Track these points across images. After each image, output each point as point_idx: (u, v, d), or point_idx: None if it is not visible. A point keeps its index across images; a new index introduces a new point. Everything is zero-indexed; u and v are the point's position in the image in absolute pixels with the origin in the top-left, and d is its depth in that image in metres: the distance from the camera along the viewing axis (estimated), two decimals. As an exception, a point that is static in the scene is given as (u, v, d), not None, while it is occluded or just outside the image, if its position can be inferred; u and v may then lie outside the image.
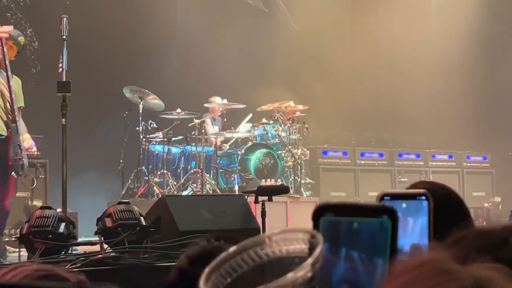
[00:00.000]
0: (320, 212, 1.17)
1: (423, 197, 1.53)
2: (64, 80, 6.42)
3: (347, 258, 1.15)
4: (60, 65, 6.49)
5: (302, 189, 11.88)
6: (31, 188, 10.72)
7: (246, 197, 6.41)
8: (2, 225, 7.53)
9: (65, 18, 6.77)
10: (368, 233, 1.15)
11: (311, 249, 1.08)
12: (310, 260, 1.05)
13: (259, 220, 6.26)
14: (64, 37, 6.68)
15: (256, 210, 6.54)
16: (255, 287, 1.03)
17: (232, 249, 1.13)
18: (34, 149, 7.93)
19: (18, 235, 5.57)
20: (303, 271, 1.05)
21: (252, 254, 1.12)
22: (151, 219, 5.83)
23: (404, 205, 1.52)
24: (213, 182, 11.44)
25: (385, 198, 1.51)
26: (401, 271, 1.02)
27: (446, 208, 2.61)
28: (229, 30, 14.58)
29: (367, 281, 1.15)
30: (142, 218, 5.64)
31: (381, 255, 1.14)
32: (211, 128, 12.14)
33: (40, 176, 10.77)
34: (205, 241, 2.21)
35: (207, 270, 1.14)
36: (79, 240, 9.32)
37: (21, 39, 7.55)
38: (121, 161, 11.71)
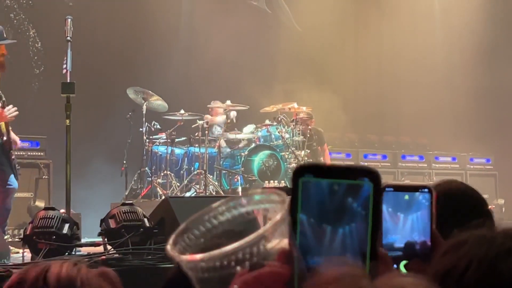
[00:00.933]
0: (299, 172, 1.11)
1: (426, 190, 1.52)
2: (68, 81, 6.42)
3: (322, 225, 1.11)
4: (64, 66, 6.49)
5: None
6: (34, 188, 10.74)
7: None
8: (4, 223, 7.55)
9: (69, 19, 6.78)
10: (348, 196, 1.10)
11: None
12: (273, 220, 1.02)
13: (261, 222, 6.23)
14: (69, 38, 6.68)
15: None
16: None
17: (204, 209, 1.11)
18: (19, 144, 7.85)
19: (21, 236, 5.58)
20: (262, 232, 1.04)
21: (226, 214, 1.09)
22: (155, 220, 5.83)
23: (406, 197, 1.51)
24: (216, 183, 11.44)
25: (387, 189, 1.50)
26: (316, 284, 1.00)
27: (463, 204, 2.58)
28: (233, 31, 14.57)
29: (343, 248, 1.10)
30: (145, 220, 5.64)
31: (362, 219, 1.10)
32: (215, 130, 12.12)
33: (43, 177, 10.77)
34: None
35: (175, 233, 1.12)
36: (82, 241, 9.36)
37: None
38: (125, 162, 11.70)
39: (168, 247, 1.07)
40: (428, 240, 1.52)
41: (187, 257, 1.08)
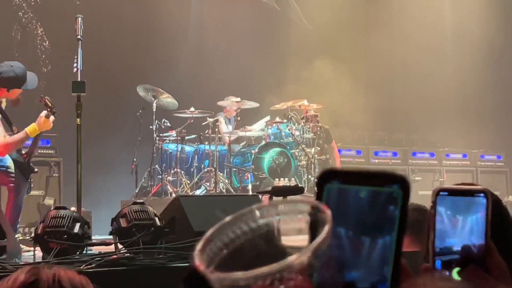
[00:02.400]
0: (325, 178, 1.06)
1: (481, 195, 1.48)
2: (79, 80, 6.42)
3: (351, 236, 1.05)
4: (75, 65, 6.49)
5: (315, 188, 11.82)
6: (45, 186, 10.76)
7: (260, 197, 6.38)
8: (16, 221, 7.57)
9: (80, 18, 6.78)
10: (376, 204, 1.05)
11: (314, 224, 1.01)
12: (315, 243, 0.98)
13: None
14: (79, 37, 6.68)
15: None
16: (251, 262, 0.97)
17: (228, 218, 1.06)
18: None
19: (32, 234, 5.57)
20: (304, 256, 0.95)
21: (250, 223, 1.05)
22: (166, 219, 5.81)
23: (460, 202, 1.47)
24: (226, 181, 11.43)
25: (441, 193, 1.46)
26: None
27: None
28: (242, 29, 14.57)
29: (368, 261, 1.05)
30: (156, 219, 5.62)
31: (388, 230, 1.05)
32: (225, 127, 12.13)
33: (54, 175, 10.79)
34: None
35: (202, 240, 1.07)
36: (93, 238, 9.37)
37: None
38: (135, 159, 11.71)
39: (196, 257, 1.02)
40: (484, 245, 1.49)
41: (221, 275, 1.03)
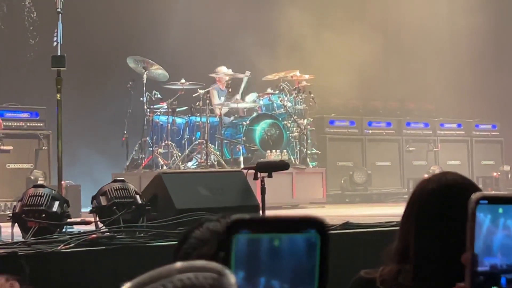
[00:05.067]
0: (233, 229, 0.97)
1: None
2: (59, 54, 6.29)
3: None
4: (55, 39, 6.37)
5: (308, 159, 11.77)
6: (34, 159, 10.68)
7: (244, 172, 6.29)
8: None
9: (60, -10, 6.64)
10: (292, 252, 0.97)
11: None
12: None
13: (259, 197, 6.14)
14: (59, 9, 6.54)
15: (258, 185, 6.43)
16: None
17: (136, 280, 0.96)
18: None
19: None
20: None
21: None
22: (147, 197, 5.74)
23: (500, 210, 1.33)
24: (217, 153, 11.35)
25: (481, 202, 1.32)
26: None
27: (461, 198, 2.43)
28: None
29: None
30: (137, 196, 5.55)
31: (308, 280, 0.97)
32: (217, 99, 12.00)
33: (43, 148, 10.70)
34: (215, 222, 2.03)
35: None
36: (82, 212, 9.31)
37: None
38: (125, 132, 11.63)
39: None
40: None
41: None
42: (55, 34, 6.38)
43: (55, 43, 6.35)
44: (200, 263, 0.92)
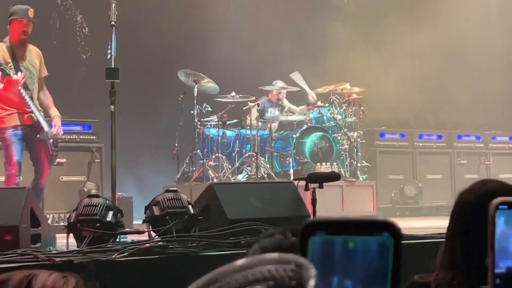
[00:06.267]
0: (309, 230, 1.00)
1: None
2: (112, 66, 6.38)
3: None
4: (109, 51, 6.46)
5: (358, 172, 11.73)
6: (87, 172, 10.82)
7: (295, 184, 6.30)
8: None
9: (113, 4, 6.74)
10: (366, 254, 0.99)
11: (300, 282, 0.94)
12: None
13: (309, 208, 6.15)
14: (113, 23, 6.64)
15: (308, 196, 6.44)
16: None
17: (207, 276, 0.99)
18: (61, 131, 8.09)
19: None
20: None
21: (231, 283, 0.98)
22: (200, 207, 5.78)
23: None
24: (268, 165, 11.37)
25: (501, 207, 1.35)
26: None
27: None
28: (283, 11, 14.44)
29: None
30: (190, 206, 5.59)
31: (381, 282, 0.98)
32: (255, 114, 11.97)
33: (95, 160, 10.84)
34: (281, 234, 2.04)
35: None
36: (134, 224, 9.41)
37: (31, 12, 7.82)
38: (176, 144, 11.71)
39: None
40: None
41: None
42: (109, 47, 6.48)
43: (109, 56, 6.45)
44: (280, 256, 0.95)
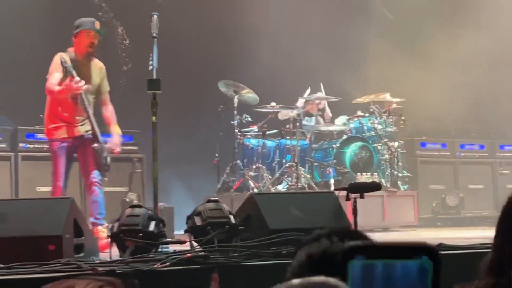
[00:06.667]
0: (349, 255, 1.02)
1: None
2: (154, 77, 6.44)
3: None
4: (151, 63, 6.51)
5: (399, 182, 11.68)
6: (128, 182, 10.91)
7: (336, 194, 6.30)
8: (97, 214, 7.71)
9: (155, 16, 6.81)
10: (405, 278, 1.01)
11: None
12: None
13: (350, 218, 6.14)
14: (154, 34, 6.70)
15: (349, 206, 6.43)
16: None
17: None
18: (118, 149, 8.07)
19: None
20: None
21: None
22: (241, 217, 5.80)
23: None
24: (308, 176, 11.37)
25: None
26: None
27: None
28: (322, 21, 14.44)
29: None
30: (231, 217, 5.62)
31: None
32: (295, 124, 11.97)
33: (136, 171, 10.92)
34: (328, 239, 2.04)
35: None
36: (175, 234, 9.45)
37: (97, 24, 7.86)
38: (217, 155, 11.77)
39: None
40: None
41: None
42: (151, 59, 6.53)
43: (150, 67, 6.50)
44: (321, 279, 0.97)
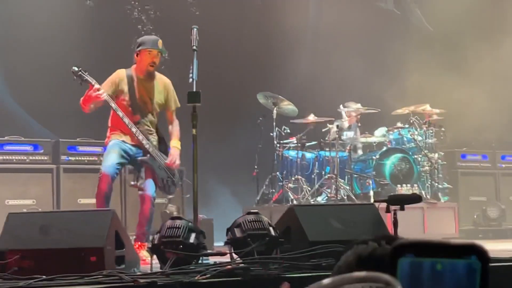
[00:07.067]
0: (398, 252, 1.03)
1: None
2: (194, 90, 6.47)
3: None
4: (191, 75, 6.55)
5: (439, 194, 11.60)
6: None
7: (376, 206, 6.28)
8: (145, 229, 7.53)
9: (195, 29, 6.84)
10: (453, 277, 1.01)
11: None
12: None
13: (391, 230, 6.11)
14: (194, 47, 6.73)
15: (389, 219, 6.41)
16: None
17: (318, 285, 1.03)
18: (177, 163, 7.83)
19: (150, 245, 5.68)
20: None
21: None
22: (281, 229, 5.81)
23: None
24: (347, 187, 11.34)
25: None
26: None
27: None
28: (361, 34, 14.43)
29: None
30: (271, 228, 5.63)
31: None
32: (334, 135, 11.94)
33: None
34: (376, 242, 2.04)
35: None
36: (214, 246, 9.48)
37: (160, 42, 7.75)
38: (256, 167, 11.78)
39: None
40: None
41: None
42: (191, 71, 6.56)
43: (190, 80, 6.53)
44: (369, 274, 0.98)
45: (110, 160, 7.36)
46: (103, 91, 7.34)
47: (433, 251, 1.02)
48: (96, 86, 7.33)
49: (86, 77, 7.34)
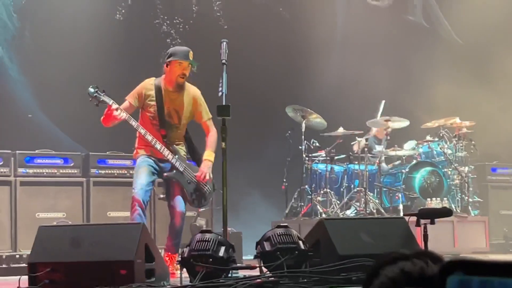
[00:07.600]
0: (447, 270, 1.02)
1: None
2: (224, 103, 6.48)
3: None
4: (220, 89, 6.56)
5: (469, 208, 11.50)
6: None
7: (406, 220, 6.24)
8: (174, 241, 7.50)
9: (224, 43, 6.85)
10: None
11: None
12: None
13: (420, 243, 6.07)
14: (224, 61, 6.74)
15: (419, 233, 6.36)
16: None
17: None
18: (207, 177, 7.69)
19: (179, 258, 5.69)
20: None
21: None
22: (310, 242, 5.79)
23: None
24: (376, 201, 11.28)
25: None
26: None
27: None
28: (389, 46, 14.39)
29: None
30: (300, 242, 5.62)
31: None
32: (357, 147, 11.88)
33: (206, 196, 10.96)
34: (418, 258, 2.00)
35: None
36: (243, 259, 9.48)
37: (191, 54, 7.69)
38: (285, 180, 11.77)
39: None
40: None
41: None
42: (220, 85, 6.57)
43: (220, 93, 6.54)
44: None
45: (141, 181, 7.31)
46: (120, 112, 7.22)
47: (482, 269, 1.00)
48: (114, 106, 7.24)
49: (103, 97, 7.22)
